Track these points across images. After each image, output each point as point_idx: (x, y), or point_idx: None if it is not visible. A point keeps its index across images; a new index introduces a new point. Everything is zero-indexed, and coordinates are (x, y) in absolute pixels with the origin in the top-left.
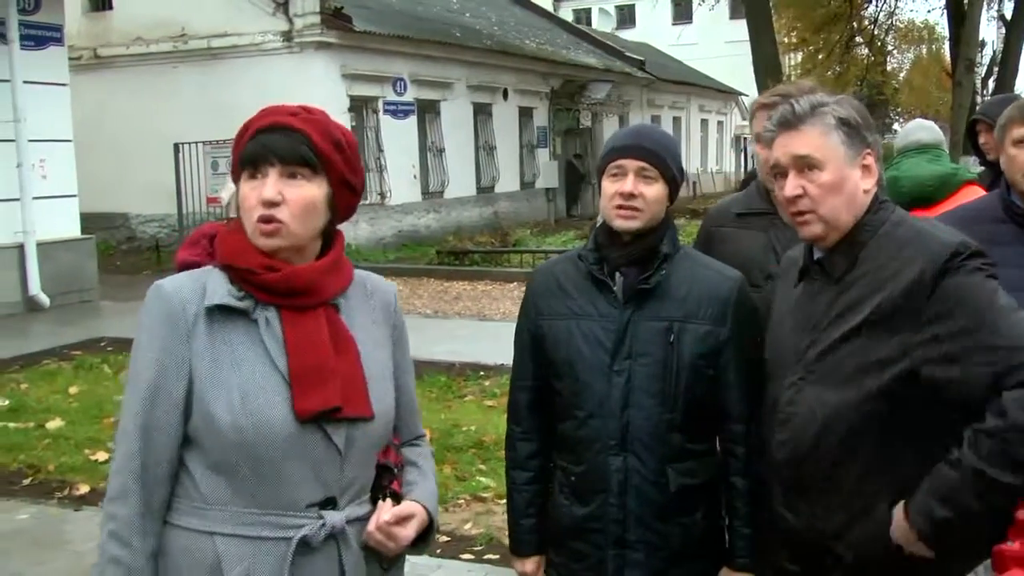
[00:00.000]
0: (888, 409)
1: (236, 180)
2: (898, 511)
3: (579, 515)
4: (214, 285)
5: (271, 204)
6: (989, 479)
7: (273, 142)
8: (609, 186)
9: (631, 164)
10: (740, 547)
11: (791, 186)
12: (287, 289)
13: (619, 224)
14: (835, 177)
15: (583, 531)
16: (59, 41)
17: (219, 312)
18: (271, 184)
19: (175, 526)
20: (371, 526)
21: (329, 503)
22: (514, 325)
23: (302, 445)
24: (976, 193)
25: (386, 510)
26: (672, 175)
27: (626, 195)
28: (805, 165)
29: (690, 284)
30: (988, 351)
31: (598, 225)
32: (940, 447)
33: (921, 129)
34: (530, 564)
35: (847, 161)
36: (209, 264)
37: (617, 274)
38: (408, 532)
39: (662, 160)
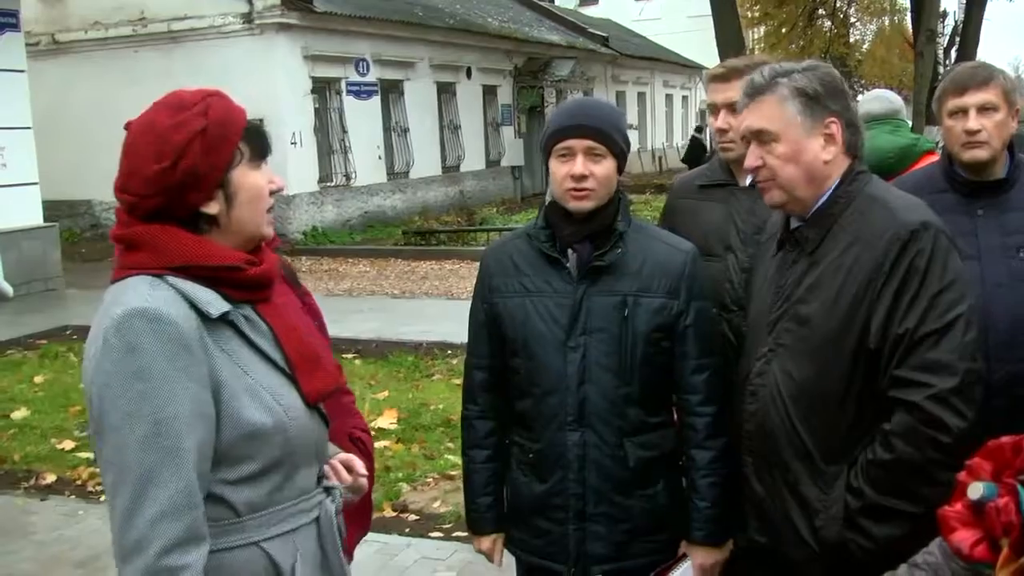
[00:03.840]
0: (850, 386)
1: (223, 173)
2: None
3: (538, 491)
4: (195, 292)
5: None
6: (884, 507)
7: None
8: (559, 167)
9: (579, 144)
10: (698, 520)
11: (751, 157)
12: (266, 282)
13: (573, 206)
14: (791, 148)
15: (543, 507)
16: (15, 27)
17: (212, 320)
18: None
19: (211, 552)
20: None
21: (323, 475)
22: None
23: (311, 428)
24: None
25: (350, 469)
26: (620, 149)
27: (577, 177)
28: (762, 138)
29: (643, 258)
30: (910, 316)
31: (547, 203)
32: None
33: (874, 100)
34: (487, 542)
35: (804, 131)
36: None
37: (570, 251)
38: (365, 480)
39: (608, 136)
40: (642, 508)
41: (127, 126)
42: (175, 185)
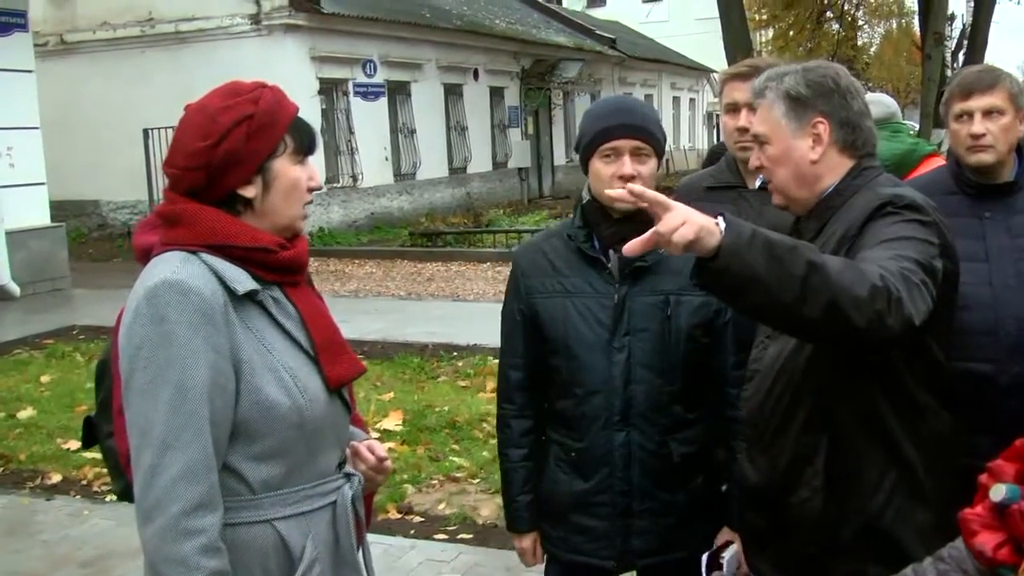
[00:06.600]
0: (819, 353)
1: (264, 160)
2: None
3: (579, 489)
4: (225, 270)
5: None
6: (823, 285)
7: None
8: (604, 168)
9: (626, 144)
10: (740, 510)
11: (752, 158)
12: (296, 266)
13: (621, 207)
14: (779, 150)
15: (586, 504)
16: (24, 27)
17: (240, 297)
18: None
19: (224, 525)
20: (363, 470)
21: (344, 460)
22: (488, 305)
23: (332, 412)
24: (938, 164)
25: (370, 452)
26: (661, 148)
27: (626, 178)
28: (759, 140)
29: (683, 256)
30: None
31: (584, 202)
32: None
33: (870, 105)
34: (527, 540)
35: (791, 133)
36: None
37: (611, 251)
38: (389, 462)
39: (653, 135)
40: (685, 501)
41: (186, 108)
42: (216, 163)
